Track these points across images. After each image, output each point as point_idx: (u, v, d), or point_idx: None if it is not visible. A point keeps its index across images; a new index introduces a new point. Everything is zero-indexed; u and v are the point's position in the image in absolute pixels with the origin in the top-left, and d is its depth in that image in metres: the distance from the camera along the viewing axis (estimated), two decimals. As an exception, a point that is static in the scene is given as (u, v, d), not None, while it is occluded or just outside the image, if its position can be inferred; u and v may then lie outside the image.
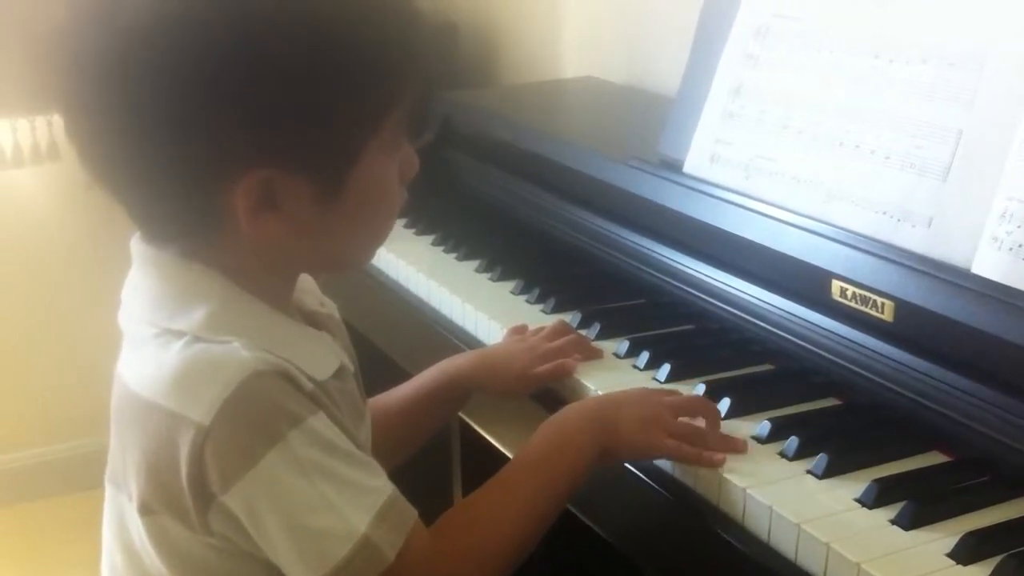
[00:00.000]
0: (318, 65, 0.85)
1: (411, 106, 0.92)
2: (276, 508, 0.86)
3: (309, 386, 0.89)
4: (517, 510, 0.98)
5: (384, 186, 0.94)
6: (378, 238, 0.99)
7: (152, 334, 0.91)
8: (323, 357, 0.95)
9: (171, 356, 0.88)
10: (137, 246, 0.95)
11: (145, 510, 0.91)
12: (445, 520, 0.96)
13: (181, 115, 0.84)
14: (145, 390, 0.90)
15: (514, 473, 1.01)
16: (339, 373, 0.96)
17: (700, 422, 1.08)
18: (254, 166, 0.86)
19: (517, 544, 0.97)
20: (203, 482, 0.86)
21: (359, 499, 0.88)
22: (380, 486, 0.90)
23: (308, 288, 1.04)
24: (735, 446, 1.05)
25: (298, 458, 0.86)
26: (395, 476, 0.94)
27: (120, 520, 0.96)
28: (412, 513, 0.91)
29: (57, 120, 2.43)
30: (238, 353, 0.87)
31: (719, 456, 1.02)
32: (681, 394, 1.12)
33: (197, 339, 0.89)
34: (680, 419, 1.07)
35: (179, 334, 0.89)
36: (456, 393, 1.23)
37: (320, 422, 0.88)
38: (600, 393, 1.18)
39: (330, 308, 1.05)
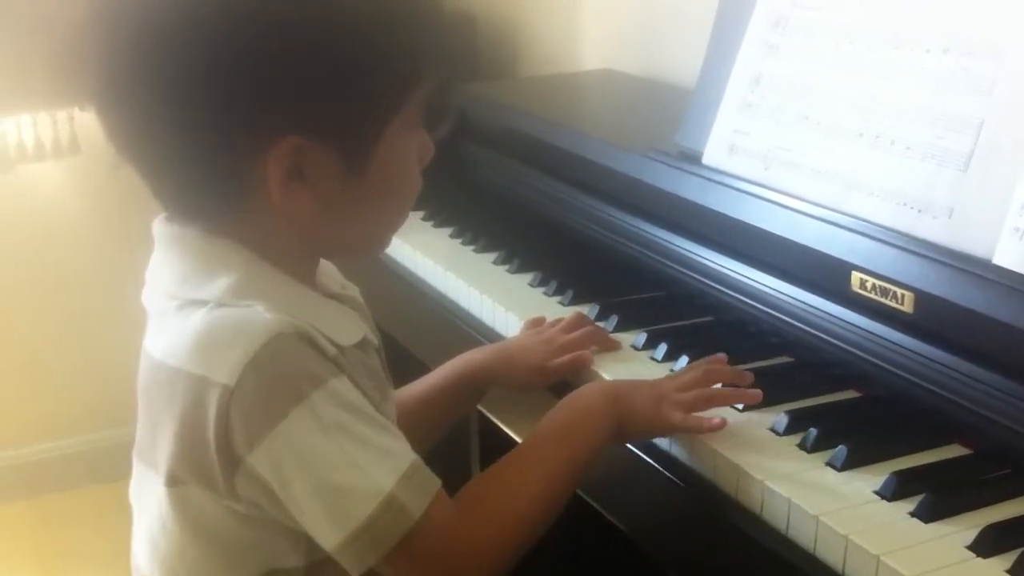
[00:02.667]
0: (347, 36, 0.87)
1: (431, 88, 0.94)
2: (301, 466, 0.87)
3: (332, 350, 0.90)
4: (535, 483, 0.98)
5: (405, 166, 0.96)
6: (397, 219, 1.00)
7: (176, 306, 0.92)
8: (346, 326, 0.96)
9: (194, 322, 0.90)
10: (160, 227, 0.97)
11: (172, 480, 0.92)
12: (466, 491, 0.97)
13: (213, 85, 0.86)
14: (170, 358, 0.91)
15: (533, 447, 1.02)
16: (362, 344, 0.97)
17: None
18: (285, 133, 0.87)
19: (535, 516, 0.97)
20: (229, 443, 0.87)
21: (384, 460, 0.88)
22: (404, 451, 0.91)
23: (330, 272, 1.05)
24: (746, 398, 1.08)
25: (321, 417, 0.87)
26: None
27: (146, 497, 0.97)
28: (436, 480, 0.92)
29: (78, 114, 2.46)
30: (261, 316, 0.88)
31: (717, 420, 1.05)
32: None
33: (220, 305, 0.90)
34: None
35: (202, 303, 0.91)
36: (473, 388, 1.23)
37: (342, 385, 0.89)
38: (618, 385, 1.18)
39: (352, 291, 1.06)
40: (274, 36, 0.85)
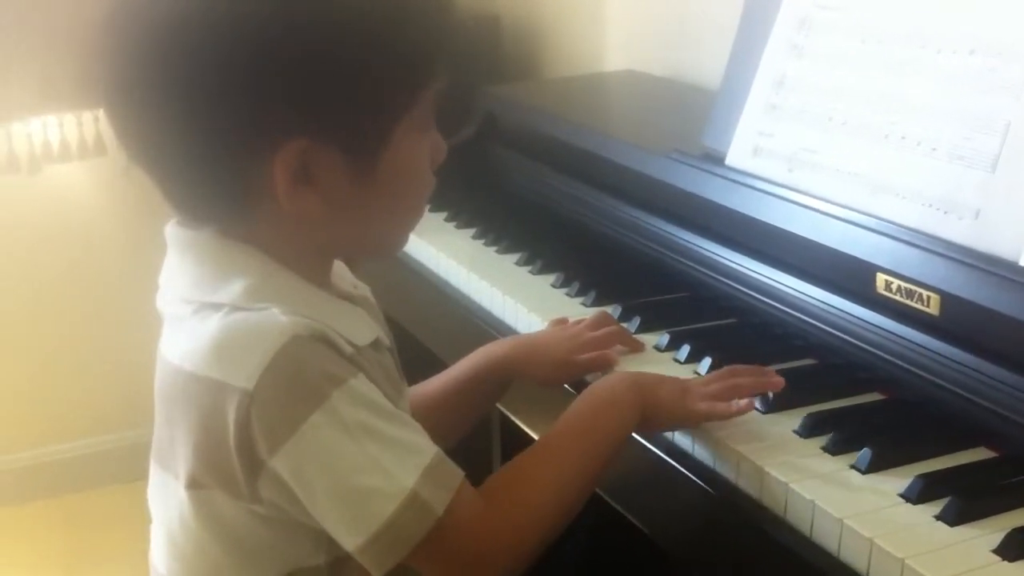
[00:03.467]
0: (352, 38, 0.87)
1: (442, 90, 0.94)
2: (323, 469, 0.86)
3: (348, 349, 0.90)
4: (561, 471, 0.97)
5: (415, 167, 0.96)
6: (409, 221, 1.00)
7: (191, 310, 0.92)
8: (359, 327, 0.96)
9: (211, 327, 0.90)
10: (173, 231, 0.97)
11: (193, 484, 0.92)
12: (489, 483, 0.96)
13: (218, 88, 0.86)
14: (188, 363, 0.91)
15: (558, 436, 1.01)
16: (375, 345, 0.97)
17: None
18: (290, 136, 0.87)
19: (558, 508, 0.97)
20: (251, 448, 0.87)
21: (406, 457, 0.88)
22: (426, 445, 0.91)
23: (341, 273, 1.05)
24: (770, 385, 1.09)
25: (343, 418, 0.87)
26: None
27: (164, 501, 0.97)
28: (459, 473, 0.91)
29: (103, 115, 2.48)
30: (276, 318, 0.88)
31: (744, 402, 1.05)
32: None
33: (236, 308, 0.90)
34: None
35: (218, 306, 0.91)
36: (497, 378, 1.22)
37: (362, 383, 0.89)
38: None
39: (363, 290, 1.06)
40: (278, 39, 0.85)
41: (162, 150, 0.90)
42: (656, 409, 1.05)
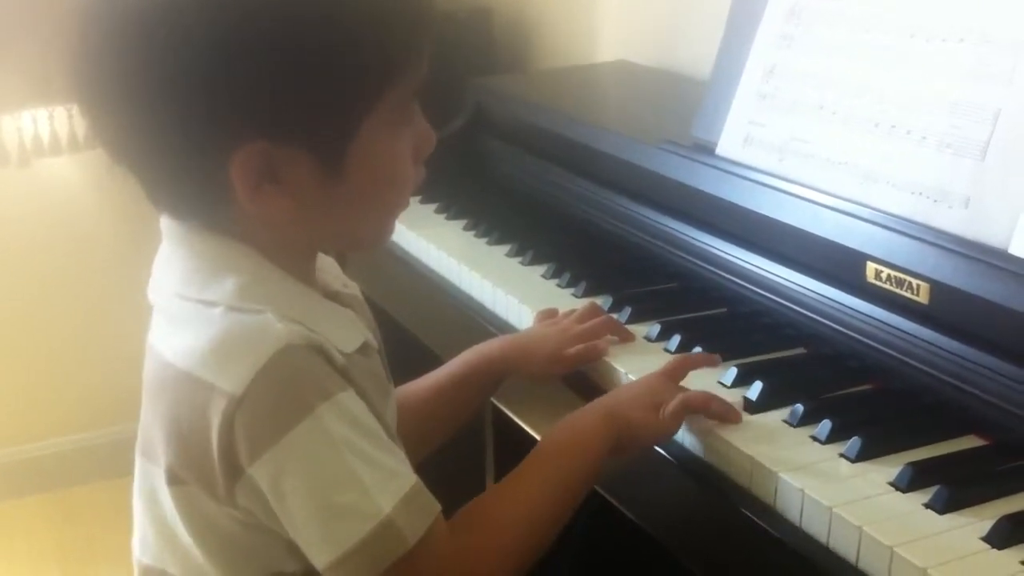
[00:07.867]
0: (308, 36, 0.84)
1: (419, 81, 0.91)
2: (301, 481, 0.86)
3: (340, 359, 0.89)
4: (532, 507, 0.97)
5: (391, 161, 0.93)
6: (391, 214, 0.98)
7: (184, 307, 0.92)
8: (348, 331, 0.95)
9: (205, 328, 0.89)
10: (166, 222, 0.96)
11: (174, 480, 0.92)
12: (462, 515, 0.96)
13: (175, 88, 0.84)
14: (179, 361, 0.90)
15: (529, 470, 1.00)
16: (364, 349, 0.95)
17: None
18: (248, 138, 0.86)
19: (533, 539, 0.97)
20: (232, 453, 0.86)
21: (386, 481, 0.87)
22: (406, 472, 0.90)
23: (331, 270, 1.04)
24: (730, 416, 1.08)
25: (328, 432, 0.86)
26: (428, 462, 0.93)
27: (151, 493, 0.97)
28: (436, 505, 0.90)
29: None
30: (271, 325, 0.87)
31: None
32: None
33: (231, 309, 0.89)
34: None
35: (212, 304, 0.89)
36: (490, 376, 1.22)
37: (350, 399, 0.88)
38: (630, 376, 1.17)
39: (353, 289, 1.05)
40: (228, 40, 0.83)
41: (134, 149, 0.89)
42: (631, 432, 1.05)
